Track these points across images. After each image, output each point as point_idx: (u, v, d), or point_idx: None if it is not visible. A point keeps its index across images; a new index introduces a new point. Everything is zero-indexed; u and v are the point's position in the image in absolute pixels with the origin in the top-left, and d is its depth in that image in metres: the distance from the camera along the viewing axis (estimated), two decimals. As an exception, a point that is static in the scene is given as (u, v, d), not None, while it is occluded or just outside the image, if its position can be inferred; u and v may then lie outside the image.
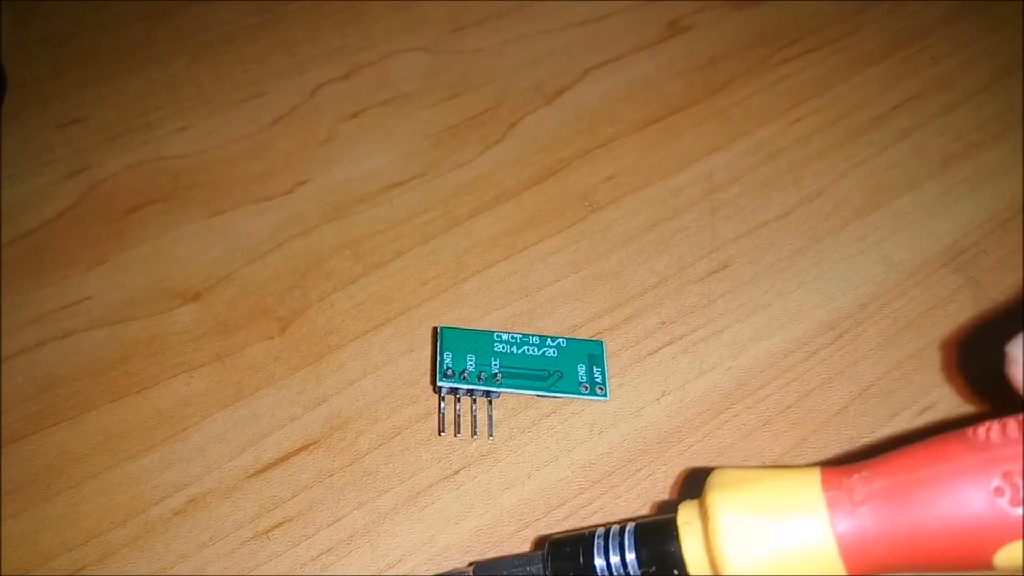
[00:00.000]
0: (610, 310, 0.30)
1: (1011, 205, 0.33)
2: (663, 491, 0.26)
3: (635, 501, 0.26)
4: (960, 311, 0.30)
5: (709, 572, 0.20)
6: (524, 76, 0.37)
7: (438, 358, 0.27)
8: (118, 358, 0.28)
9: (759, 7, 0.40)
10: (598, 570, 0.22)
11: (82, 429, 0.27)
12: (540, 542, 0.25)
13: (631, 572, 0.21)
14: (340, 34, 0.38)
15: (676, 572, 0.21)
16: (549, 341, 0.28)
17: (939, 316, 0.30)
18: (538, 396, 0.28)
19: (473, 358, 0.27)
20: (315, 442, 0.27)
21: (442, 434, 0.27)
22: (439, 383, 0.26)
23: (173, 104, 0.35)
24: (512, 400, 0.28)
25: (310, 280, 0.30)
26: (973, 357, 0.29)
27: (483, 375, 0.27)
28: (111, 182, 0.33)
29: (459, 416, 0.27)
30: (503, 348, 0.27)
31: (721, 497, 0.20)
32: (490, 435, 0.27)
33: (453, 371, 0.26)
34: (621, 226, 0.32)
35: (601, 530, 0.22)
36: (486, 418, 0.27)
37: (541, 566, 0.23)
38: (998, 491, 0.18)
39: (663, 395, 0.28)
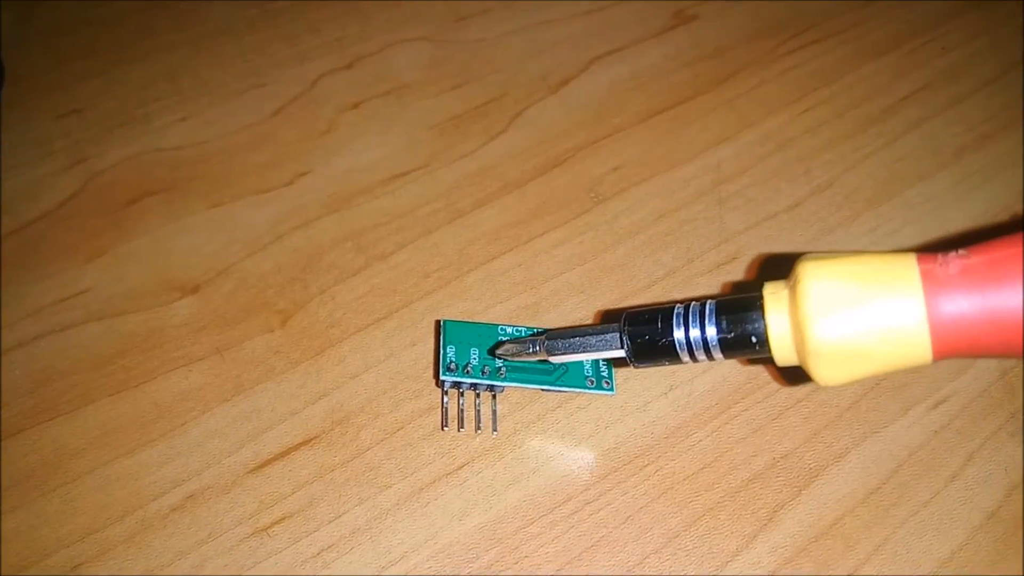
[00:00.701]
0: (616, 303, 0.29)
1: (1023, 196, 0.33)
2: (671, 486, 0.26)
3: (643, 497, 0.26)
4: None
5: (790, 340, 0.20)
6: (528, 66, 0.36)
7: (441, 352, 0.26)
8: (116, 351, 0.28)
9: (766, -3, 0.39)
10: (676, 340, 0.22)
11: (79, 424, 0.27)
12: (606, 315, 0.25)
13: (710, 341, 0.21)
14: (341, 24, 0.37)
15: (754, 340, 0.21)
16: (554, 334, 0.27)
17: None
18: (543, 390, 0.27)
19: (477, 352, 0.26)
20: (316, 437, 0.26)
21: (445, 429, 0.26)
22: (442, 377, 0.26)
23: (173, 95, 0.35)
24: (516, 394, 0.27)
25: (311, 273, 0.30)
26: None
27: (487, 369, 0.26)
28: (110, 173, 0.32)
29: (462, 411, 0.27)
30: (507, 341, 0.27)
31: (813, 266, 0.20)
32: (494, 430, 0.27)
33: (456, 365, 0.26)
34: (627, 218, 0.32)
35: (679, 304, 0.22)
36: (490, 413, 0.27)
37: (617, 335, 0.22)
38: None
39: (671, 389, 0.28)
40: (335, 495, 0.25)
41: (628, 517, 0.25)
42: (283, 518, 0.25)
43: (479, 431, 0.26)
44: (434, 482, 0.26)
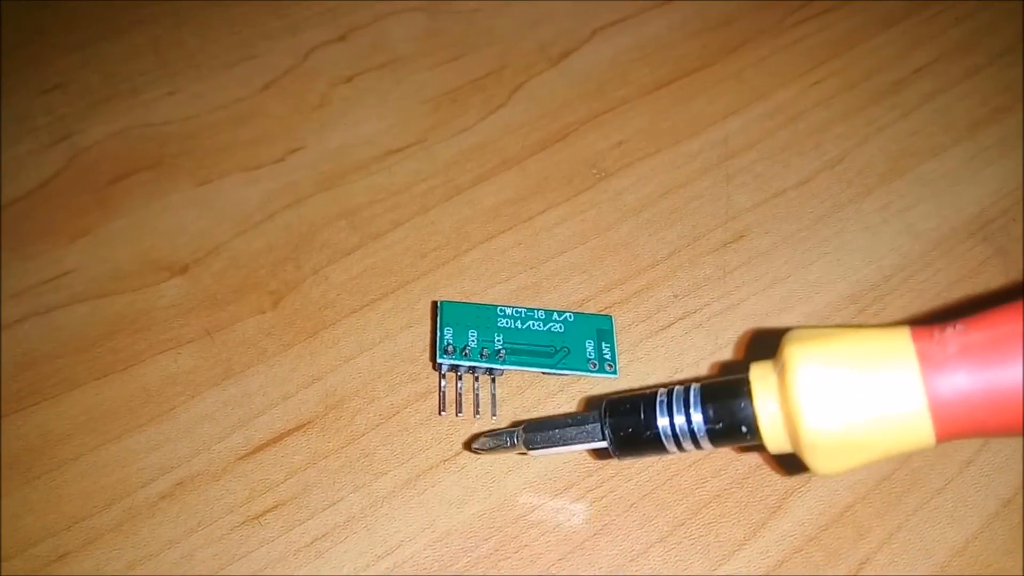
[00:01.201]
0: (620, 283, 0.29)
1: (1042, 171, 0.32)
2: (677, 473, 0.25)
3: (647, 484, 0.25)
4: (989, 283, 0.29)
5: (782, 429, 0.19)
6: (528, 37, 0.35)
7: (438, 334, 0.25)
8: (102, 334, 0.27)
9: (775, -36, 0.38)
10: (661, 429, 0.20)
11: (65, 408, 0.26)
12: (590, 402, 0.24)
13: (696, 431, 0.20)
14: (334, -6, 0.36)
15: (744, 429, 0.19)
16: (555, 316, 0.26)
17: (966, 288, 0.29)
18: (544, 373, 0.26)
19: (475, 334, 0.25)
20: (309, 422, 0.26)
21: (443, 414, 0.26)
22: (439, 360, 0.25)
23: (159, 68, 0.34)
24: (516, 378, 0.26)
25: (303, 252, 0.29)
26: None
27: (486, 351, 0.25)
28: (95, 150, 0.31)
29: (460, 395, 0.26)
30: (507, 323, 0.26)
31: (802, 349, 0.19)
32: (493, 415, 0.26)
33: (454, 347, 0.25)
34: (631, 194, 0.31)
35: (662, 390, 0.21)
36: (489, 397, 0.26)
37: (598, 426, 0.21)
38: None
39: (676, 372, 0.27)
40: (329, 482, 0.25)
41: (632, 504, 0.24)
42: (275, 506, 0.24)
43: (478, 416, 0.26)
44: (432, 468, 0.25)
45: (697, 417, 0.20)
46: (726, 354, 0.27)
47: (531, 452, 0.23)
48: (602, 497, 0.25)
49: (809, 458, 0.19)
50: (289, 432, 0.25)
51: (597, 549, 0.24)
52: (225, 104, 0.33)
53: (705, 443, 0.20)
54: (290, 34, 0.35)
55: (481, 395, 0.26)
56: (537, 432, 0.22)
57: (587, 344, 0.26)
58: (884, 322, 0.28)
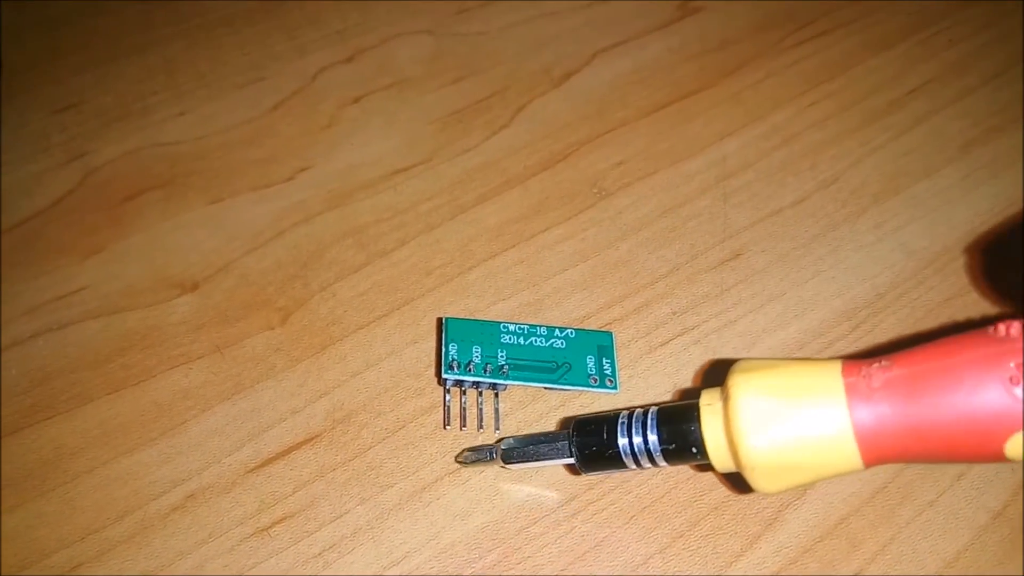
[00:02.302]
0: (620, 300, 0.29)
1: (1032, 191, 0.32)
2: (675, 486, 0.26)
3: (646, 496, 0.25)
4: (980, 300, 0.30)
5: (726, 451, 0.21)
6: (531, 59, 0.36)
7: (443, 349, 0.26)
8: (115, 350, 0.28)
9: (771, -12, 0.39)
10: (621, 448, 0.23)
11: (78, 423, 0.26)
12: (565, 422, 0.26)
13: (652, 450, 0.22)
14: (341, 16, 0.37)
15: (694, 450, 0.22)
16: (557, 332, 0.27)
17: (959, 305, 0.29)
18: (546, 389, 0.27)
19: (479, 349, 0.26)
20: (317, 436, 0.26)
21: (447, 428, 0.26)
22: (444, 375, 0.26)
23: (171, 89, 0.34)
24: (519, 393, 0.27)
25: (312, 269, 0.30)
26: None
27: (489, 367, 0.26)
28: (107, 169, 0.32)
29: (465, 409, 0.26)
30: (510, 339, 0.27)
31: (743, 379, 0.21)
32: (496, 429, 0.26)
33: (458, 363, 0.26)
34: (631, 213, 0.31)
35: (625, 412, 0.23)
36: (492, 411, 0.26)
37: (566, 443, 0.23)
38: (1013, 379, 0.18)
39: (674, 387, 0.27)
40: (336, 494, 0.25)
41: (632, 517, 0.25)
42: (284, 518, 0.25)
43: (481, 430, 0.26)
44: (436, 481, 0.26)
45: (652, 438, 0.22)
46: (723, 369, 0.28)
47: (508, 466, 0.25)
48: (603, 510, 0.25)
49: (749, 477, 0.21)
50: (297, 445, 0.26)
51: (598, 560, 0.24)
52: (235, 124, 0.33)
53: (660, 461, 0.22)
54: (299, 56, 0.35)
55: (484, 410, 0.26)
56: (513, 448, 0.24)
57: (588, 360, 0.27)
58: (878, 339, 0.29)
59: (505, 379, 0.26)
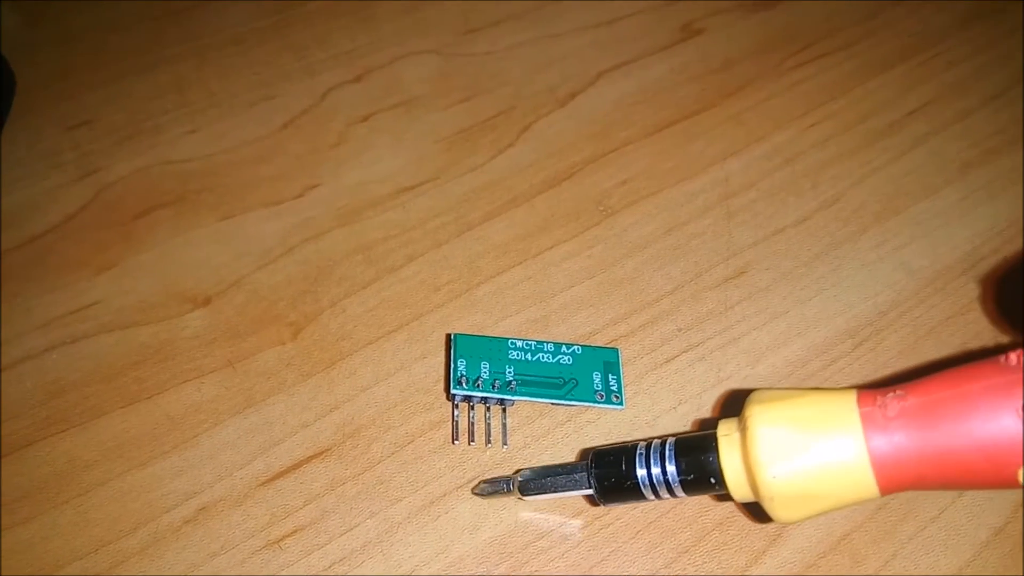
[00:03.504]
0: (625, 317, 0.30)
1: (1030, 211, 0.33)
2: (679, 502, 0.26)
3: (652, 512, 0.26)
4: (980, 319, 0.30)
5: (745, 481, 0.21)
6: (536, 79, 0.36)
7: (452, 365, 0.26)
8: (128, 363, 0.28)
9: (773, 10, 0.40)
10: (639, 479, 0.23)
11: (91, 435, 0.27)
12: (584, 454, 0.26)
13: (671, 481, 0.22)
14: (350, 36, 0.37)
15: (713, 480, 0.22)
16: (564, 348, 0.27)
17: (959, 324, 0.30)
18: (553, 404, 0.27)
19: (487, 365, 0.27)
20: (327, 450, 0.27)
21: (456, 442, 0.27)
22: (453, 391, 0.26)
23: (182, 107, 0.35)
24: (526, 408, 0.27)
25: (322, 285, 0.30)
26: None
27: (497, 383, 0.26)
28: (120, 186, 0.33)
29: (473, 424, 0.27)
30: (517, 355, 0.27)
31: (760, 411, 0.21)
32: (504, 444, 0.27)
33: (467, 379, 0.26)
34: (636, 231, 0.32)
35: (643, 443, 0.23)
36: (500, 426, 0.27)
37: (585, 475, 0.24)
38: (1018, 412, 0.18)
39: (679, 403, 0.28)
40: (346, 508, 0.26)
41: (638, 532, 0.25)
42: (295, 531, 0.25)
43: (489, 445, 0.27)
44: (445, 495, 0.26)
45: (671, 469, 0.22)
46: (727, 386, 0.28)
47: (525, 498, 0.25)
48: (609, 524, 0.25)
49: (768, 507, 0.21)
50: (308, 459, 0.26)
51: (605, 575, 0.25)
52: (246, 142, 0.34)
53: (679, 492, 0.23)
54: (308, 75, 0.36)
55: (492, 425, 0.27)
56: (531, 480, 0.25)
57: (594, 376, 0.27)
58: (880, 357, 0.29)
59: (513, 395, 0.26)
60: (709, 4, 0.39)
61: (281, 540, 0.25)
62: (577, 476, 0.24)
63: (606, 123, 0.35)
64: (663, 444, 0.23)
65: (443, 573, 0.24)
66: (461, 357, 0.27)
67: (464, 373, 0.26)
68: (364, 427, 0.27)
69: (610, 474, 0.23)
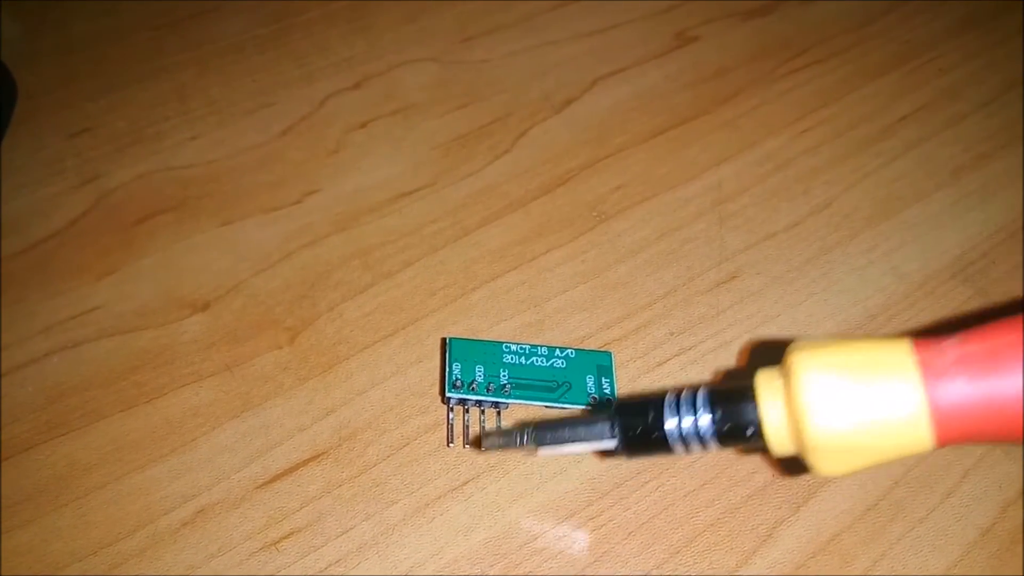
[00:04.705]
0: (619, 321, 0.30)
1: (1020, 216, 0.33)
2: (672, 502, 0.26)
3: (644, 513, 0.26)
4: (969, 323, 0.30)
5: (786, 432, 0.20)
6: (532, 86, 0.37)
7: (447, 369, 0.27)
8: (127, 368, 0.28)
9: (766, 18, 0.40)
10: (669, 430, 0.21)
11: (91, 439, 0.27)
12: (599, 405, 0.25)
13: (703, 433, 0.20)
14: (349, 44, 0.38)
15: (749, 432, 0.20)
16: (558, 352, 0.28)
17: (948, 328, 0.30)
18: (547, 407, 0.27)
19: (482, 369, 0.27)
20: (324, 453, 0.27)
21: (451, 445, 0.27)
22: (448, 394, 0.26)
23: (182, 114, 0.35)
24: (521, 411, 0.28)
25: (319, 290, 0.30)
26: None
27: (492, 386, 0.27)
28: (120, 192, 0.33)
29: (468, 427, 0.27)
30: (512, 359, 0.27)
31: (807, 356, 0.19)
32: (499, 446, 0.27)
33: (462, 382, 0.26)
34: (630, 236, 0.32)
35: (671, 392, 0.21)
36: (494, 429, 0.27)
37: (607, 425, 0.22)
38: None
39: (672, 406, 0.28)
40: (343, 510, 0.26)
41: (630, 533, 0.26)
42: (292, 533, 0.25)
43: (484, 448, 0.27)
44: (440, 497, 0.26)
45: (705, 418, 0.20)
46: (767, 356, 0.28)
47: (540, 451, 0.23)
48: (601, 526, 0.26)
49: (812, 459, 0.19)
50: (305, 462, 0.27)
51: None
52: (245, 149, 0.34)
53: (711, 444, 0.21)
54: (307, 82, 0.36)
55: (487, 427, 0.27)
56: (547, 431, 0.23)
57: (588, 379, 0.27)
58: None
59: (507, 398, 0.26)
60: (703, 12, 0.40)
61: (278, 542, 0.25)
62: (599, 427, 0.22)
63: (601, 129, 0.35)
64: (694, 393, 0.21)
65: (438, 574, 0.25)
66: (456, 361, 0.27)
67: (459, 377, 0.27)
68: (360, 430, 0.27)
69: (636, 424, 0.21)
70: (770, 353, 0.21)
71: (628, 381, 0.29)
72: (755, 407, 0.20)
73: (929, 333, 0.30)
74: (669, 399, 0.21)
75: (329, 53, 0.38)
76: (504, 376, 0.27)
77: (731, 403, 0.20)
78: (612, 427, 0.22)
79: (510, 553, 0.25)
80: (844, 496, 0.26)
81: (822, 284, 0.31)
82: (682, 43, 0.39)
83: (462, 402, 0.27)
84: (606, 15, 0.39)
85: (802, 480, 0.27)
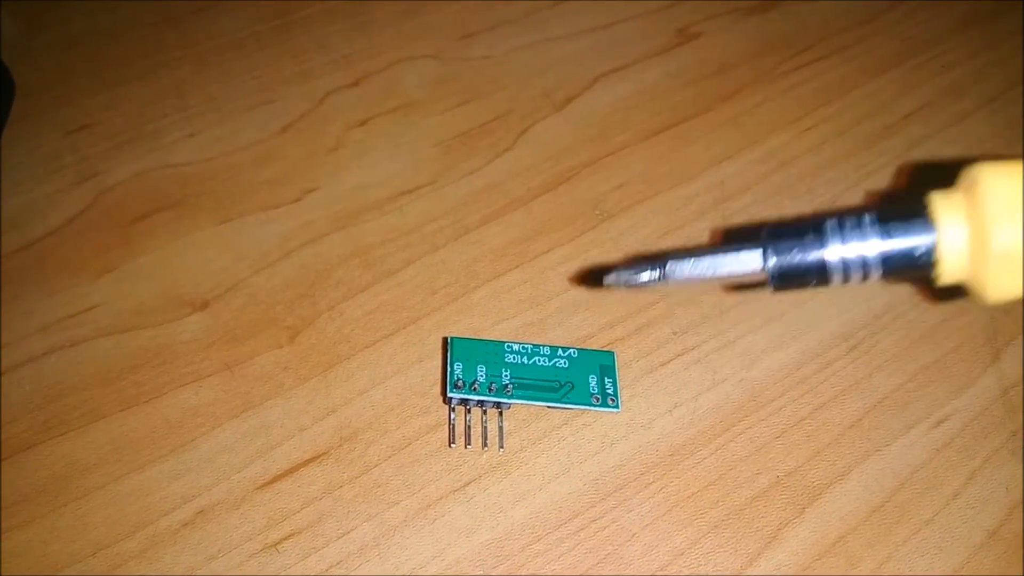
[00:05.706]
0: (621, 320, 0.30)
1: None
2: (676, 504, 0.26)
3: (648, 515, 0.26)
4: (975, 322, 0.30)
5: (965, 250, 0.18)
6: (533, 83, 0.36)
7: (449, 369, 0.26)
8: (126, 367, 0.28)
9: (768, 15, 0.40)
10: (830, 255, 0.19)
11: (90, 439, 0.27)
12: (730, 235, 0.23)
13: (870, 260, 0.19)
14: (348, 41, 0.38)
15: (922, 255, 0.18)
16: (560, 352, 0.27)
17: (953, 327, 0.30)
18: (549, 407, 0.27)
19: (484, 369, 0.27)
20: (324, 453, 0.27)
21: (452, 446, 0.27)
22: (450, 394, 0.26)
23: (181, 111, 0.35)
24: (523, 411, 0.28)
25: (319, 289, 0.30)
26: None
27: (494, 386, 0.26)
28: (119, 189, 0.33)
29: (469, 427, 0.27)
30: (514, 359, 0.27)
31: (991, 167, 0.18)
32: (500, 447, 0.27)
33: (464, 382, 0.26)
34: (632, 235, 0.32)
35: (831, 219, 0.19)
36: (496, 429, 0.27)
37: (755, 252, 0.20)
38: None
39: (675, 407, 0.28)
40: (343, 511, 0.26)
41: (634, 535, 0.25)
42: (292, 534, 0.25)
43: (486, 448, 0.27)
44: (441, 498, 0.26)
45: (873, 240, 0.19)
46: (723, 389, 0.28)
47: (672, 281, 0.21)
48: (605, 527, 0.26)
49: (992, 274, 0.18)
50: (305, 463, 0.27)
51: (600, 577, 0.25)
52: (244, 146, 0.34)
53: (874, 272, 0.19)
54: (306, 80, 0.36)
55: (489, 428, 0.27)
56: (685, 260, 0.20)
57: (590, 379, 0.27)
58: (875, 360, 0.29)
59: (509, 398, 0.26)
60: (705, 8, 0.40)
61: (279, 543, 0.25)
62: (745, 255, 0.20)
63: (602, 127, 0.35)
64: (859, 217, 0.19)
65: (440, 575, 0.25)
66: (458, 360, 0.27)
67: (461, 376, 0.26)
68: (361, 430, 0.27)
69: (791, 247, 0.19)
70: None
71: (631, 381, 0.28)
72: (932, 225, 0.18)
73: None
74: (831, 223, 0.19)
75: (329, 50, 0.37)
76: (506, 376, 0.27)
77: (904, 222, 0.18)
78: (765, 253, 0.19)
79: (512, 555, 0.25)
80: (849, 498, 0.26)
81: (826, 283, 0.31)
82: (684, 40, 0.38)
83: (464, 402, 0.27)
84: (608, 12, 0.39)
85: (807, 482, 0.27)
